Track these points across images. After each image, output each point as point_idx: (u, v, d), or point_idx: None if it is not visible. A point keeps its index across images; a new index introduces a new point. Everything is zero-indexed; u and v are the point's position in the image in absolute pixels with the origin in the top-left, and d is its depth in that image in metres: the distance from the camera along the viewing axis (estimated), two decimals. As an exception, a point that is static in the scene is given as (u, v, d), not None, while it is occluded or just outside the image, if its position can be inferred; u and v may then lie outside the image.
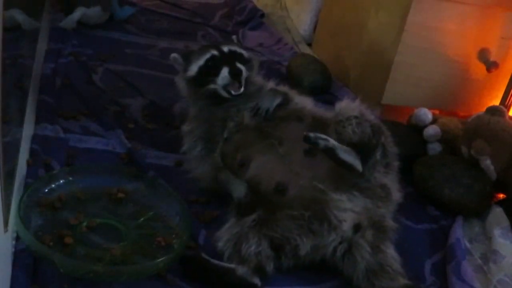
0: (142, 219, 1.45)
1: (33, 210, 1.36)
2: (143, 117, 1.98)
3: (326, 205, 1.39)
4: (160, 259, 1.29)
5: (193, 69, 1.64)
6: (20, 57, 1.65)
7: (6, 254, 1.22)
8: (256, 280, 1.34)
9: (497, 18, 2.13)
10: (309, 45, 2.94)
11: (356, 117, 1.48)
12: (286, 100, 1.64)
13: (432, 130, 1.95)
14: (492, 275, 1.50)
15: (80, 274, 1.23)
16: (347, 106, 1.53)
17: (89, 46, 2.40)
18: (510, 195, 1.82)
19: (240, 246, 1.37)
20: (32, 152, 1.59)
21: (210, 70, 1.61)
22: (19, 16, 1.58)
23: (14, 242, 1.28)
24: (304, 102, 1.67)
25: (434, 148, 1.95)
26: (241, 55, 1.65)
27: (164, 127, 1.93)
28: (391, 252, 1.40)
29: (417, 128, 1.99)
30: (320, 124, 1.54)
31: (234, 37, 1.95)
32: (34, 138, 1.67)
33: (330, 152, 1.41)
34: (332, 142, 1.41)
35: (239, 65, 1.59)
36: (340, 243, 1.39)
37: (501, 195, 1.86)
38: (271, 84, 1.71)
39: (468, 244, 1.63)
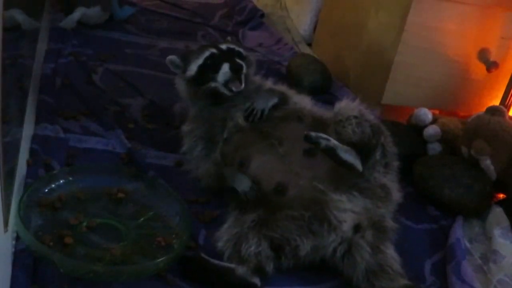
0: (142, 219, 1.45)
1: (33, 210, 1.36)
2: (143, 117, 1.98)
3: (326, 205, 1.39)
4: (160, 259, 1.29)
5: (193, 68, 1.65)
6: (20, 57, 1.65)
7: (6, 254, 1.22)
8: (256, 280, 1.34)
9: (497, 18, 2.13)
10: (309, 45, 2.94)
11: (356, 117, 1.48)
12: (283, 100, 1.64)
13: (432, 130, 1.94)
14: (492, 275, 1.50)
15: (80, 274, 1.23)
16: (347, 106, 1.53)
17: (89, 46, 2.40)
18: (510, 195, 1.82)
19: (240, 246, 1.37)
20: (32, 152, 1.59)
21: (209, 68, 1.62)
22: (19, 16, 1.57)
23: (14, 242, 1.28)
24: (303, 102, 1.68)
25: (434, 148, 1.95)
26: (239, 52, 1.66)
27: (164, 127, 1.93)
28: (391, 253, 1.40)
29: (417, 128, 1.99)
30: (320, 124, 1.55)
31: (229, 38, 1.96)
32: (34, 138, 1.67)
33: (330, 152, 1.41)
34: (333, 141, 1.42)
35: (239, 61, 1.60)
36: (340, 243, 1.39)
37: (501, 195, 1.86)
38: (269, 83, 1.71)
39: (468, 244, 1.63)
